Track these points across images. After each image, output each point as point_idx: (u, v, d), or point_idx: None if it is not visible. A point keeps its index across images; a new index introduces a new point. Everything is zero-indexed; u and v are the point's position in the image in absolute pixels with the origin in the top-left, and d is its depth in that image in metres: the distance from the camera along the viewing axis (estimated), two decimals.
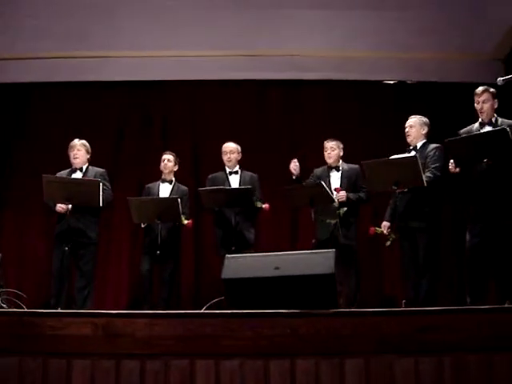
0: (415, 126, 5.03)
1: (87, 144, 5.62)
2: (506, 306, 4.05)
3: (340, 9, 6.56)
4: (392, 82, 7.16)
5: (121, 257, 6.80)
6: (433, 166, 4.83)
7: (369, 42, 6.81)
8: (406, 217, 4.80)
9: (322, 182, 5.18)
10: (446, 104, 6.80)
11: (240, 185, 5.68)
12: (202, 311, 4.21)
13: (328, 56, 6.94)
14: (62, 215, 5.29)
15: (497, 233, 4.44)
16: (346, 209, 5.22)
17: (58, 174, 5.49)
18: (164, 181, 5.89)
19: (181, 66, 6.91)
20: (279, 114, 7.13)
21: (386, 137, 6.83)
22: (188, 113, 7.18)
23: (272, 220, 6.60)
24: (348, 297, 5.07)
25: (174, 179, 5.93)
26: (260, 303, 3.33)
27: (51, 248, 5.56)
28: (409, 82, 7.15)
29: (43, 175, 5.10)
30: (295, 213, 6.58)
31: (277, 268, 3.41)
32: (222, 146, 5.86)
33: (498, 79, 4.35)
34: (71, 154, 5.56)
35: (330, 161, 5.54)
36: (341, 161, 5.57)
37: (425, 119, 5.08)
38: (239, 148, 5.85)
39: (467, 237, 4.62)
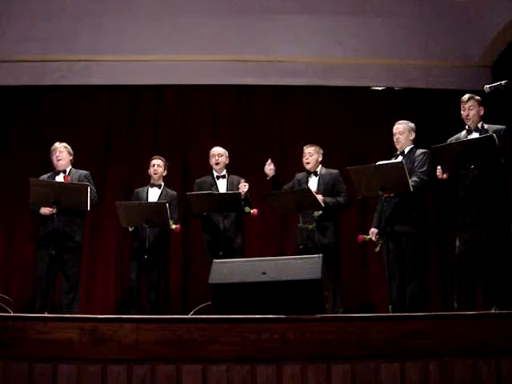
0: (404, 133, 5.03)
1: (68, 146, 5.58)
2: (492, 311, 4.08)
3: (326, 15, 6.62)
4: (379, 89, 7.19)
5: (108, 261, 6.75)
6: (420, 170, 4.85)
7: (355, 48, 6.85)
8: (393, 221, 4.82)
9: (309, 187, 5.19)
10: (434, 111, 6.84)
11: (228, 189, 5.67)
12: (189, 316, 4.20)
13: (314, 62, 6.96)
14: (45, 217, 5.26)
15: (485, 239, 4.46)
16: (321, 212, 5.23)
17: (41, 178, 5.45)
18: (153, 185, 5.88)
19: (169, 70, 6.91)
20: (265, 119, 7.14)
21: (372, 142, 6.87)
22: (177, 117, 7.16)
23: (260, 225, 6.61)
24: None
25: (162, 184, 5.92)
26: (247, 308, 3.33)
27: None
28: (396, 88, 7.19)
29: (30, 179, 5.07)
30: (283, 218, 6.57)
31: (264, 273, 3.42)
32: (209, 151, 5.86)
33: (485, 87, 4.37)
34: (54, 157, 5.53)
35: (308, 166, 5.58)
36: (320, 166, 5.61)
37: (412, 124, 5.10)
38: (227, 152, 5.85)
39: (457, 243, 4.65)
